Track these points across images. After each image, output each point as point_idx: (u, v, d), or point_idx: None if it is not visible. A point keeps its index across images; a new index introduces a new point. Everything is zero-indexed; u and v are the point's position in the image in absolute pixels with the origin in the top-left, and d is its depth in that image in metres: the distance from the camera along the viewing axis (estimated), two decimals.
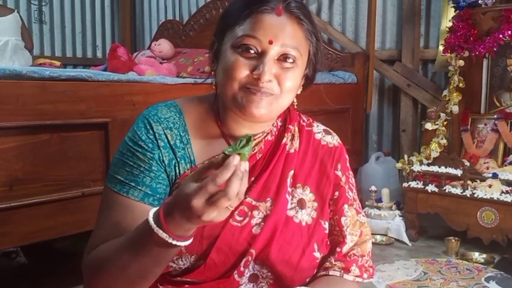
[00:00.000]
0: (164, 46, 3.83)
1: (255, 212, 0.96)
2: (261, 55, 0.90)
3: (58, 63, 3.32)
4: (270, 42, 0.89)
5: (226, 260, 0.94)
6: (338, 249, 1.03)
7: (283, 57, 0.92)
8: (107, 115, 2.03)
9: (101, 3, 5.12)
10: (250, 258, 0.95)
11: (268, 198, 0.97)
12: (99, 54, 5.12)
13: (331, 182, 1.03)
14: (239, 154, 0.73)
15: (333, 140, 1.08)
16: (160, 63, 3.45)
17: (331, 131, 1.09)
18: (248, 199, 0.96)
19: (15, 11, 4.04)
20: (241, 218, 0.95)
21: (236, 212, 0.95)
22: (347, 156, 1.08)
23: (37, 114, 1.83)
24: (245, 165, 0.73)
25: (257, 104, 0.91)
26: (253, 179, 0.98)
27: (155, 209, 0.79)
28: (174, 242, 0.77)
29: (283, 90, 0.92)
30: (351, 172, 1.08)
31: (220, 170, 0.71)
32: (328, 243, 1.04)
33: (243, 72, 0.90)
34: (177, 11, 4.98)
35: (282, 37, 0.90)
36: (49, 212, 1.89)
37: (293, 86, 0.94)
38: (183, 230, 0.77)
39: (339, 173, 1.05)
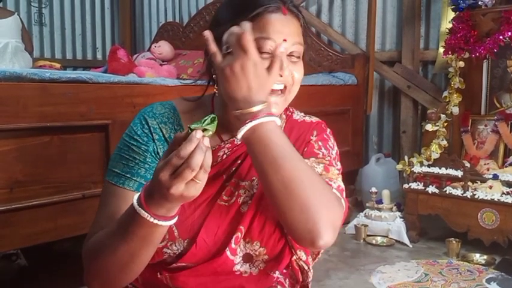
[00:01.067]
0: (164, 48, 3.83)
1: (241, 191, 1.00)
2: (273, 53, 0.94)
3: (58, 65, 3.32)
4: (284, 42, 0.95)
5: (216, 239, 0.98)
6: None
7: (291, 53, 0.98)
8: (107, 117, 2.04)
9: (100, 5, 5.12)
10: (240, 235, 0.98)
11: (254, 178, 1.01)
12: (99, 56, 5.12)
13: (307, 144, 1.07)
14: (204, 130, 0.76)
15: (310, 118, 1.14)
16: (161, 65, 3.46)
17: (311, 116, 1.15)
18: (234, 180, 1.01)
19: (16, 13, 4.03)
20: (228, 198, 1.00)
21: (223, 193, 1.00)
22: (328, 130, 1.11)
23: (37, 116, 1.83)
24: (208, 142, 0.76)
25: (275, 105, 0.96)
26: (239, 161, 1.02)
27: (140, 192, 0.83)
28: (156, 222, 0.80)
29: (295, 82, 1.00)
30: (333, 142, 1.09)
31: (184, 143, 0.74)
32: None
33: None
34: (177, 12, 4.98)
35: (292, 35, 0.97)
36: (49, 214, 1.89)
37: (301, 77, 1.02)
38: (164, 209, 0.79)
39: (313, 137, 1.07)
